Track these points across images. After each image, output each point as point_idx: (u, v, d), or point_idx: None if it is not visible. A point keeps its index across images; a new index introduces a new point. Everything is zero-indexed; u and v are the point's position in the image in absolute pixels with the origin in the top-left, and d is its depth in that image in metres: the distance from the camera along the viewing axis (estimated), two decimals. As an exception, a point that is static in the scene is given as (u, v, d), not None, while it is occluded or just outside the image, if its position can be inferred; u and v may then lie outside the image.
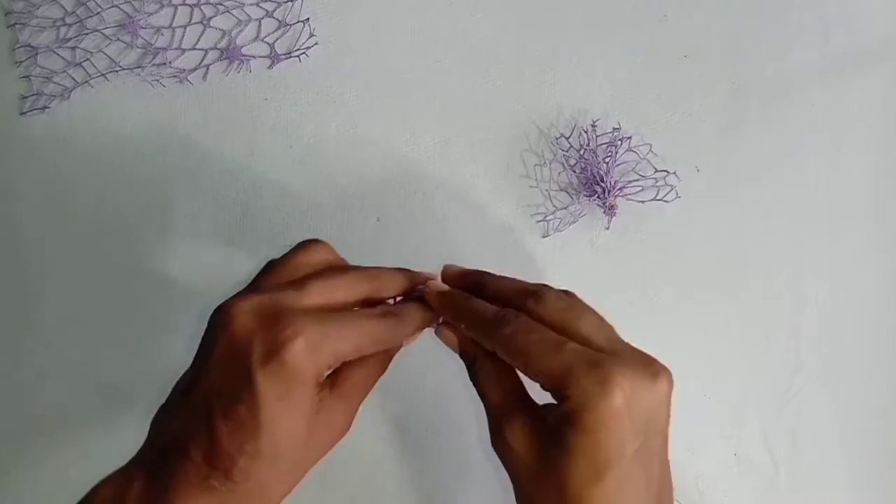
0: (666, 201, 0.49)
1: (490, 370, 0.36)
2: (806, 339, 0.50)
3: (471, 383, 0.37)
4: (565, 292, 0.36)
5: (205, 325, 0.33)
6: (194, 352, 0.34)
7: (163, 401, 0.34)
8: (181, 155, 0.50)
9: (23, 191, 0.50)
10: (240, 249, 0.49)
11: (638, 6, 0.51)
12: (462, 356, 0.38)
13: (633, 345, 0.35)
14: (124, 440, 0.33)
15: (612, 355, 0.33)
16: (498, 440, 0.35)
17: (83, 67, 0.50)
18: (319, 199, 0.50)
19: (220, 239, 0.50)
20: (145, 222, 0.49)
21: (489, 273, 0.39)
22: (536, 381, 0.33)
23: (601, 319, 0.36)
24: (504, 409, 0.35)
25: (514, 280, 0.38)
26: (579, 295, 0.50)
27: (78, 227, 0.50)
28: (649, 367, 0.33)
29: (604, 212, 0.49)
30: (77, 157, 0.50)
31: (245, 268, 0.49)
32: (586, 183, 0.50)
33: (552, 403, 0.33)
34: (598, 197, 0.49)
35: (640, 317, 0.49)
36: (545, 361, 0.32)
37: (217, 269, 0.49)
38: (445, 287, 0.39)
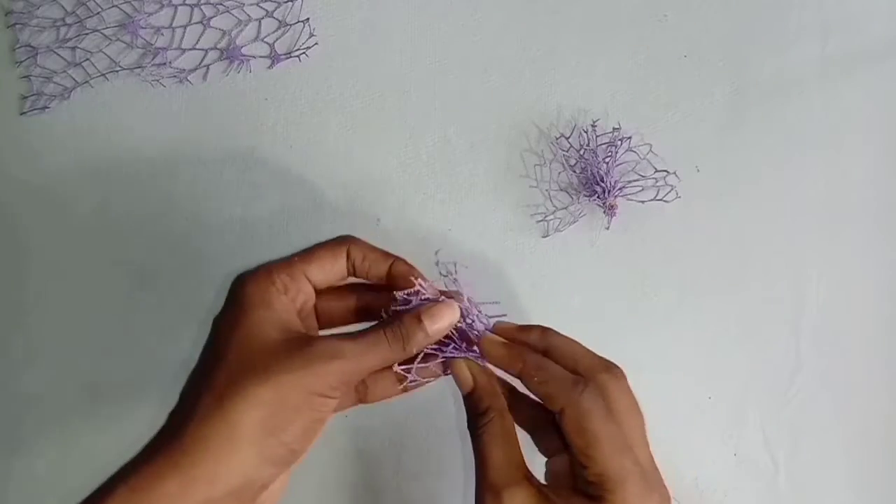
0: (666, 201, 0.49)
1: (500, 431, 0.35)
2: (806, 339, 0.50)
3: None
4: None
5: (206, 327, 0.34)
6: (196, 351, 0.34)
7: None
8: (181, 155, 0.50)
9: (23, 190, 0.50)
10: (240, 249, 0.49)
11: (638, 6, 0.51)
12: (471, 401, 0.37)
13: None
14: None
15: (647, 480, 0.33)
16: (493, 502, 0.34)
17: (83, 67, 0.50)
18: (319, 199, 0.50)
19: (220, 239, 0.50)
20: (145, 222, 0.49)
21: (555, 331, 0.38)
22: (581, 460, 0.33)
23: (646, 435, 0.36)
24: (506, 474, 0.34)
25: (585, 347, 0.37)
26: (579, 295, 0.50)
27: (78, 227, 0.50)
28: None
29: (604, 212, 0.49)
30: (77, 157, 0.50)
31: (245, 268, 0.49)
32: (586, 183, 0.50)
33: (561, 487, 0.34)
34: (598, 197, 0.49)
35: (640, 317, 0.49)
36: (606, 459, 0.33)
37: (217, 269, 0.49)
38: (502, 339, 0.37)
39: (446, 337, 0.37)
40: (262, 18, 0.50)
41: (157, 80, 0.50)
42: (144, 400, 0.48)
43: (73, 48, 0.50)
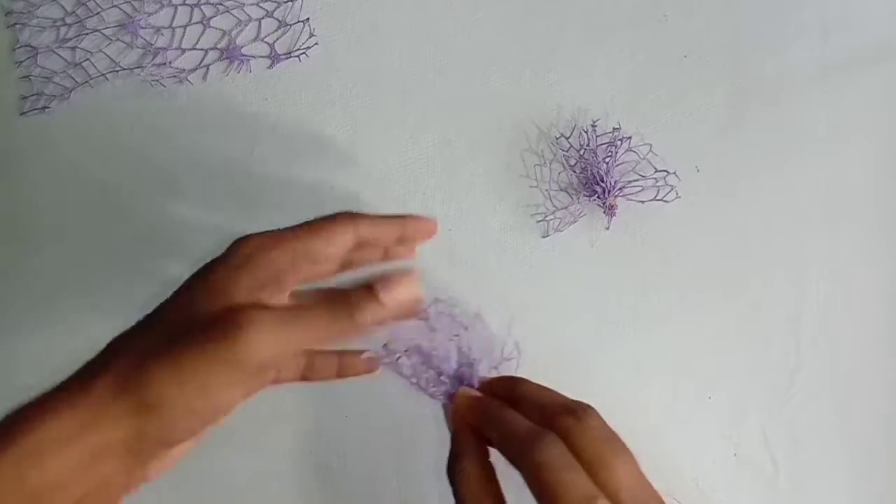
0: (666, 201, 0.49)
1: (475, 479, 0.34)
2: (806, 339, 0.50)
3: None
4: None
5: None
6: None
7: None
8: (181, 155, 0.50)
9: (23, 190, 0.50)
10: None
11: (638, 6, 0.51)
12: (452, 442, 0.36)
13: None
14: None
15: None
16: None
17: (83, 67, 0.50)
18: (320, 199, 0.50)
19: (220, 239, 0.49)
20: (145, 222, 0.49)
21: (526, 380, 0.36)
22: None
23: (636, 467, 0.32)
24: None
25: (553, 392, 0.35)
26: (579, 295, 0.50)
27: (78, 227, 0.50)
28: None
29: (604, 212, 0.49)
30: (77, 158, 0.50)
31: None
32: (586, 183, 0.50)
33: None
34: (598, 197, 0.49)
35: (640, 317, 0.49)
36: None
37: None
38: (477, 393, 0.37)
39: (439, 373, 0.36)
40: (262, 18, 0.50)
41: (157, 80, 0.50)
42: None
43: (73, 48, 0.50)
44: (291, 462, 0.49)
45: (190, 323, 0.32)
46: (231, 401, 0.32)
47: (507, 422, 0.33)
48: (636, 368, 0.49)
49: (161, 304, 0.34)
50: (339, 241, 0.35)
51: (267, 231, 0.35)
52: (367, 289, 0.33)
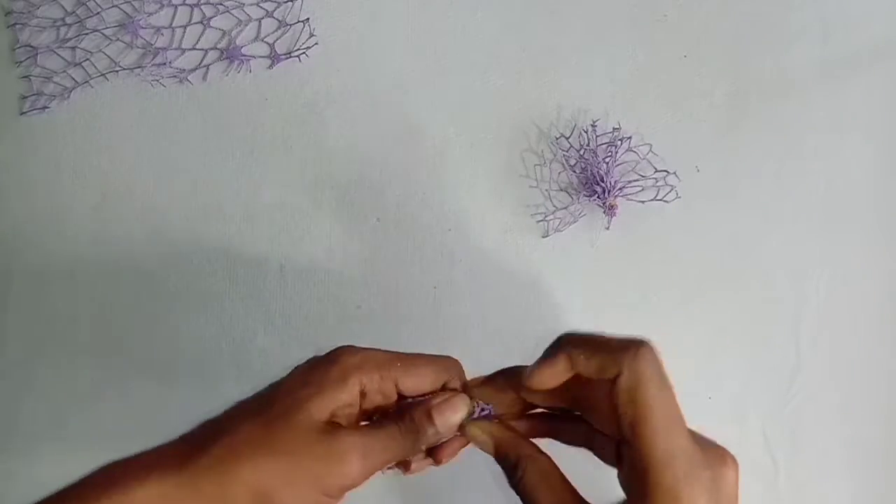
0: (666, 201, 0.49)
1: (538, 470, 0.33)
2: (806, 339, 0.50)
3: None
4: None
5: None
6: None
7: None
8: (181, 155, 0.50)
9: (22, 190, 0.50)
10: (240, 249, 0.49)
11: (638, 6, 0.51)
12: (500, 460, 0.35)
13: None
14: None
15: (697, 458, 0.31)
16: None
17: (83, 67, 0.50)
18: (319, 199, 0.50)
19: (220, 239, 0.50)
20: (144, 222, 0.49)
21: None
22: (628, 435, 0.30)
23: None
24: None
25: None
26: (579, 295, 0.50)
27: (77, 227, 0.50)
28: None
29: (604, 212, 0.49)
30: (77, 158, 0.50)
31: (245, 268, 0.49)
32: (586, 183, 0.50)
33: None
34: (598, 197, 0.49)
35: (640, 317, 0.49)
36: (657, 434, 0.30)
37: (217, 269, 0.49)
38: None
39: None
40: (262, 18, 0.50)
41: (157, 80, 0.50)
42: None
43: (73, 48, 0.50)
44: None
45: (297, 431, 0.32)
46: None
47: (590, 341, 0.32)
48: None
49: (272, 393, 0.34)
50: (433, 375, 0.36)
51: (377, 351, 0.35)
52: (427, 415, 0.34)
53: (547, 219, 0.50)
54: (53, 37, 0.50)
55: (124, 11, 0.50)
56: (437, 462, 0.37)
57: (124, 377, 0.49)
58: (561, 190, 0.50)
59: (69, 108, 0.50)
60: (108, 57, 0.50)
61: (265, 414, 0.32)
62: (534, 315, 0.49)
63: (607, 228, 0.50)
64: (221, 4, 0.50)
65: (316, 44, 0.50)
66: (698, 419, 0.49)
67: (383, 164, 0.50)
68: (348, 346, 0.35)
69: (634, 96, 0.50)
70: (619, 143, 0.49)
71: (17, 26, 0.50)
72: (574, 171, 0.50)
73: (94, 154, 0.50)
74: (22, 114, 0.50)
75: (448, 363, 0.36)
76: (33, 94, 0.50)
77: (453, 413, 0.34)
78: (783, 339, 0.50)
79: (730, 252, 0.50)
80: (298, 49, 0.50)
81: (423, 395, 0.35)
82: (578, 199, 0.50)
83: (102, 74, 0.50)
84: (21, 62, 0.50)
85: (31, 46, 0.50)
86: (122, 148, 0.50)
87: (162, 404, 0.48)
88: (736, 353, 0.50)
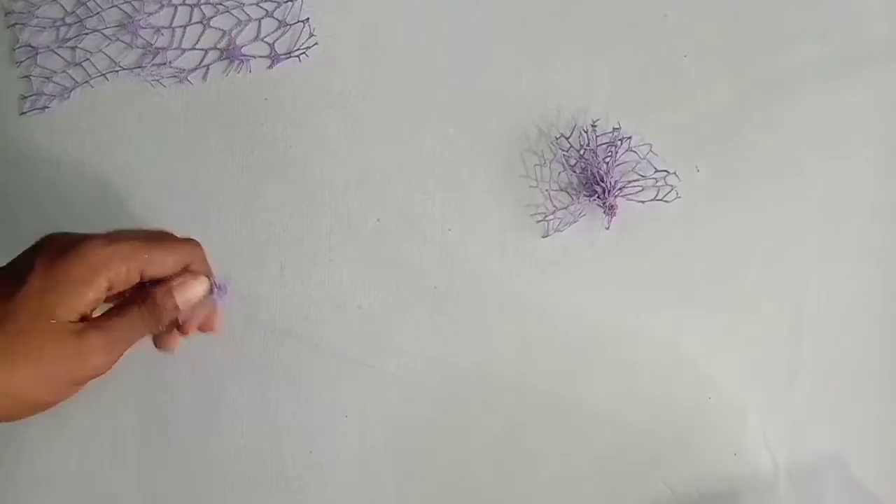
0: (666, 201, 0.49)
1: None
2: (806, 339, 0.50)
3: None
4: None
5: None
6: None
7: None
8: (181, 155, 0.50)
9: (22, 191, 0.50)
10: (240, 249, 0.49)
11: (638, 6, 0.51)
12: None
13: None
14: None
15: None
16: None
17: (83, 67, 0.50)
18: (319, 198, 0.50)
19: (220, 239, 0.49)
20: (145, 222, 0.49)
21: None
22: None
23: None
24: None
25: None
26: (579, 295, 0.50)
27: (77, 228, 0.49)
28: None
29: (604, 212, 0.49)
30: (77, 157, 0.50)
31: (245, 268, 0.49)
32: (586, 183, 0.50)
33: None
34: (598, 197, 0.49)
35: (640, 317, 0.49)
36: None
37: (216, 269, 0.49)
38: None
39: None
40: (262, 18, 0.50)
41: (157, 80, 0.50)
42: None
43: (73, 48, 0.50)
44: (291, 462, 0.49)
45: (46, 337, 0.34)
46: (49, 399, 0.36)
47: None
48: (636, 368, 0.49)
49: (21, 296, 0.35)
50: (175, 261, 0.39)
51: (116, 237, 0.37)
52: (169, 293, 0.38)
53: (547, 219, 0.50)
54: (53, 37, 0.50)
55: (124, 11, 0.50)
56: (185, 333, 0.40)
57: (124, 377, 0.49)
58: (561, 190, 0.50)
59: (69, 108, 0.50)
60: (108, 57, 0.50)
61: (17, 320, 0.34)
62: (534, 315, 0.49)
63: (607, 228, 0.50)
64: (221, 4, 0.50)
65: (316, 44, 0.50)
66: (698, 419, 0.49)
67: (383, 164, 0.50)
68: (95, 236, 0.37)
69: (635, 96, 0.50)
70: (619, 143, 0.49)
71: (17, 26, 0.50)
72: (574, 171, 0.50)
73: (94, 154, 0.50)
74: (22, 114, 0.50)
75: (190, 247, 0.40)
76: (33, 94, 0.50)
77: (193, 291, 0.39)
78: (783, 339, 0.50)
79: (730, 252, 0.50)
80: (298, 49, 0.50)
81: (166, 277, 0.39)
82: (578, 199, 0.50)
83: (102, 74, 0.50)
84: (21, 62, 0.50)
85: (31, 46, 0.50)
86: (122, 148, 0.50)
87: (158, 403, 0.48)
88: (736, 353, 0.49)
